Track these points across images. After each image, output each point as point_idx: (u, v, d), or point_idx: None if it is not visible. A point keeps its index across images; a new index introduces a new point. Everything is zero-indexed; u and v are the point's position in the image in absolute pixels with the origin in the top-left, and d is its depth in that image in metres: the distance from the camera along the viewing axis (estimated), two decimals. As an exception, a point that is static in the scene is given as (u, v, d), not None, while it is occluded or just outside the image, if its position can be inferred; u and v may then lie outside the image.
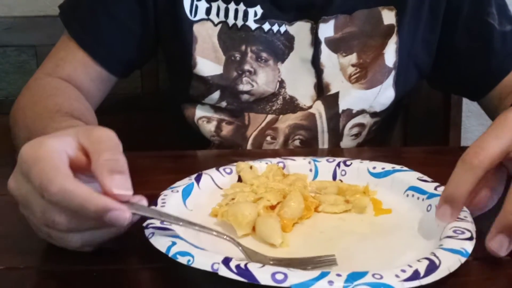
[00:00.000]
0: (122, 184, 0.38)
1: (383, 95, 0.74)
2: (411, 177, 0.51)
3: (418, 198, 0.49)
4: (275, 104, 0.75)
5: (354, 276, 0.35)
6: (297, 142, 0.77)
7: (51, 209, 0.38)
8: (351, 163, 0.56)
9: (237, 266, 0.36)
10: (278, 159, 0.57)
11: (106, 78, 0.74)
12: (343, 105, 0.74)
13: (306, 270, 0.38)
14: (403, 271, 0.36)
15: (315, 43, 0.72)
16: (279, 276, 0.35)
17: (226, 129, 0.77)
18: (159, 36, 0.76)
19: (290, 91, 0.75)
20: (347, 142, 0.77)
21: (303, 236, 0.46)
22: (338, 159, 0.56)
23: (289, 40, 0.73)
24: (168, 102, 0.87)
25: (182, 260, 0.38)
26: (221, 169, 0.55)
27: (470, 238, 0.40)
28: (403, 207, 0.49)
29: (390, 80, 0.73)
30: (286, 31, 0.73)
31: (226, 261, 0.37)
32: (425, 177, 0.50)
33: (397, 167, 0.53)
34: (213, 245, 0.41)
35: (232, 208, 0.46)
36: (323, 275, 0.35)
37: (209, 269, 0.37)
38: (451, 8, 0.73)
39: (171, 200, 0.48)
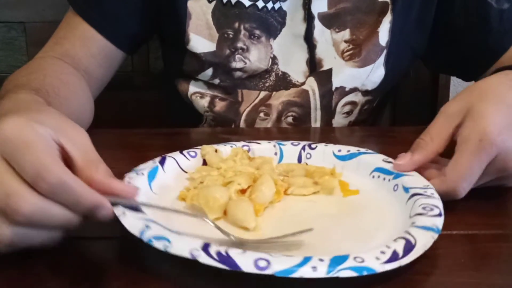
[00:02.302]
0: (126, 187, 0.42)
1: (375, 73, 0.74)
2: (377, 159, 0.52)
3: (384, 178, 0.50)
4: (268, 80, 0.74)
5: (337, 260, 0.35)
6: (290, 119, 0.77)
7: (19, 197, 0.35)
8: (316, 146, 0.56)
9: (218, 253, 0.35)
10: (243, 143, 0.57)
11: (110, 53, 0.72)
12: (336, 82, 0.74)
13: (285, 248, 0.38)
14: (383, 252, 0.36)
15: (308, 18, 0.71)
16: (262, 263, 0.35)
17: (219, 105, 0.76)
18: (158, 10, 0.73)
19: (283, 67, 0.74)
20: (339, 119, 0.77)
21: (275, 219, 0.46)
22: (303, 143, 0.57)
23: (281, 16, 0.72)
24: (161, 77, 0.86)
25: (158, 245, 0.37)
26: (185, 152, 0.54)
27: (439, 215, 0.41)
28: (369, 187, 0.50)
29: (381, 59, 0.74)
30: (280, 8, 0.72)
31: (206, 247, 0.36)
32: (390, 159, 0.51)
33: (362, 150, 0.54)
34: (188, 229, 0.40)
35: (203, 192, 0.46)
36: (306, 260, 0.35)
37: (187, 255, 0.35)
38: None
39: (136, 183, 0.46)
